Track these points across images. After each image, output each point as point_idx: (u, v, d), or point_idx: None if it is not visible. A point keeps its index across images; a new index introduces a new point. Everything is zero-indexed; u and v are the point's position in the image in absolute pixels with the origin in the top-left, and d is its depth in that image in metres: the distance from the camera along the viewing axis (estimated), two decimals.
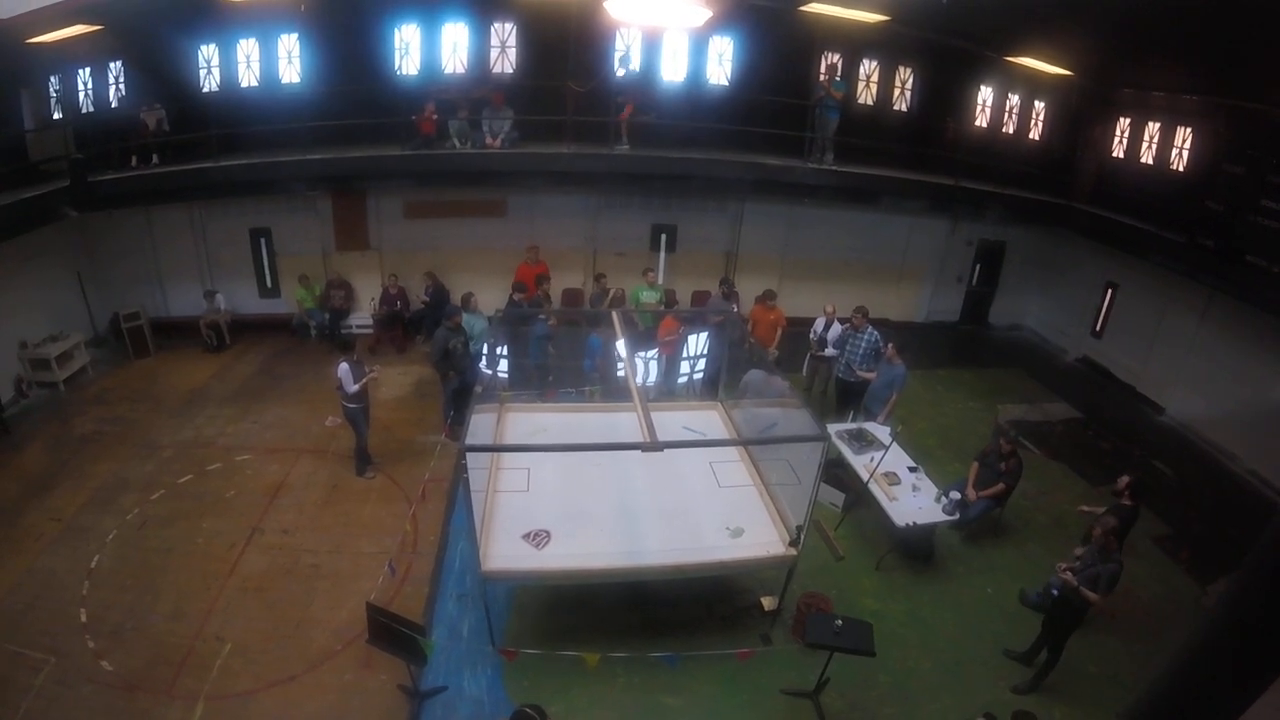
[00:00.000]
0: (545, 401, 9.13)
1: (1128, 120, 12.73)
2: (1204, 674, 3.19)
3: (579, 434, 7.63)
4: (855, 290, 12.76)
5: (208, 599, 6.80)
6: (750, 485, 7.14)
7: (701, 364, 10.30)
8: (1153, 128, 12.20)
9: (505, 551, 6.06)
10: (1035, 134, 14.32)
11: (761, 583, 6.98)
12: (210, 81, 11.98)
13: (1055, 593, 6.02)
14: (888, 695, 6.18)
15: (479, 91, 11.92)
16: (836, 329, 10.13)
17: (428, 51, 12.25)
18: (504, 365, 8.86)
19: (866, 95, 13.53)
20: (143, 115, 10.92)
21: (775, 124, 11.81)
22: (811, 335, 10.50)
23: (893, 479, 7.83)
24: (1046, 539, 8.22)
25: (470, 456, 5.36)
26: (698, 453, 7.46)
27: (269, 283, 13.02)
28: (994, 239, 14.37)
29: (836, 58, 12.85)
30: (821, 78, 11.84)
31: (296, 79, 12.01)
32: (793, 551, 6.18)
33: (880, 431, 8.72)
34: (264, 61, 11.93)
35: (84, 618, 6.50)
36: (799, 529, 6.09)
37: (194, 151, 11.08)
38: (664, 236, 13.31)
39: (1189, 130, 11.48)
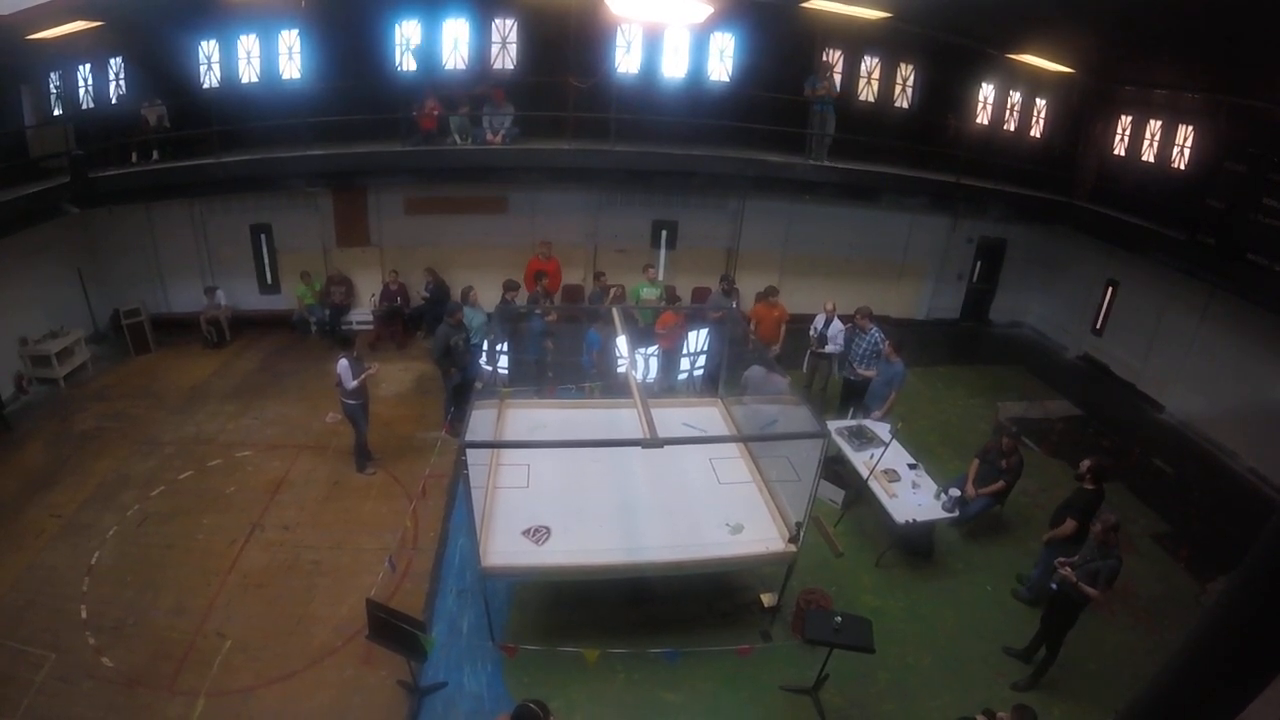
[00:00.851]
0: (545, 398, 9.12)
1: (1129, 118, 12.72)
2: (1203, 672, 3.18)
3: (579, 430, 7.62)
4: (856, 287, 12.79)
5: (208, 595, 6.81)
6: (750, 482, 7.14)
7: (701, 360, 10.30)
8: (1154, 125, 12.19)
9: (505, 547, 6.06)
10: (1036, 131, 14.31)
11: (761, 579, 6.99)
12: (211, 78, 11.97)
13: (1054, 587, 6.03)
14: (887, 692, 6.19)
15: (480, 87, 11.91)
16: (837, 326, 10.13)
17: (428, 47, 12.21)
18: (504, 361, 8.87)
19: (868, 92, 13.50)
20: (143, 111, 10.92)
21: (776, 121, 11.79)
22: (812, 332, 10.50)
23: (892, 476, 7.83)
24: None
25: (470, 453, 5.36)
26: (698, 449, 7.45)
27: (269, 279, 13.03)
28: (995, 236, 14.36)
29: (837, 54, 12.84)
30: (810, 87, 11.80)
31: (297, 75, 11.99)
32: (792, 548, 6.18)
33: (880, 428, 8.72)
34: (265, 57, 11.91)
35: (85, 614, 6.51)
36: (799, 525, 6.09)
37: (194, 148, 11.09)
38: (664, 233, 13.31)
39: (1190, 128, 11.47)
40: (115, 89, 11.48)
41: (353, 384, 8.19)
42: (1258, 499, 9.35)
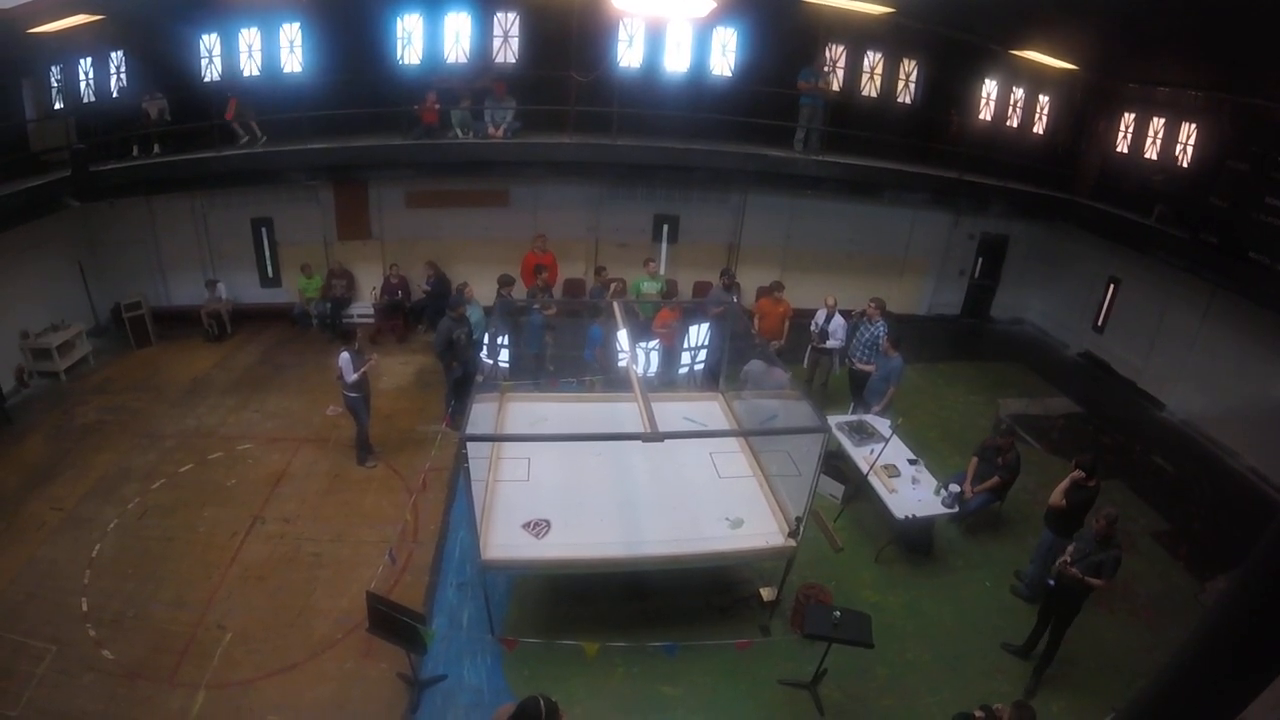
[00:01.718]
0: (546, 391, 9.13)
1: (1132, 115, 12.69)
2: (1204, 671, 3.18)
3: (579, 424, 7.65)
4: (858, 283, 12.80)
5: (209, 588, 6.82)
6: (750, 476, 7.15)
7: (702, 355, 10.30)
8: (1157, 123, 12.16)
9: (505, 541, 6.08)
10: (1039, 128, 14.26)
11: (760, 573, 6.99)
12: (212, 71, 11.95)
13: (1051, 584, 6.03)
14: (886, 687, 6.20)
15: (481, 81, 11.91)
16: (838, 321, 10.13)
17: (430, 41, 12.20)
18: (504, 355, 8.87)
19: (870, 88, 13.47)
20: (144, 105, 10.90)
21: (778, 116, 11.77)
22: (813, 327, 10.48)
23: (892, 471, 7.84)
24: None
25: (471, 446, 5.36)
26: (698, 443, 7.46)
27: (270, 272, 13.03)
28: (997, 233, 14.33)
29: (840, 49, 12.81)
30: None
31: (298, 68, 11.97)
32: (792, 543, 6.18)
33: (880, 424, 8.73)
34: (266, 51, 11.89)
35: (85, 607, 6.52)
36: (798, 520, 6.10)
37: (195, 141, 11.07)
38: (666, 227, 13.29)
39: (1193, 126, 11.43)
40: (116, 82, 11.45)
41: (354, 377, 8.19)
42: (1258, 498, 9.34)
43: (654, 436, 5.46)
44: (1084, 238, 13.14)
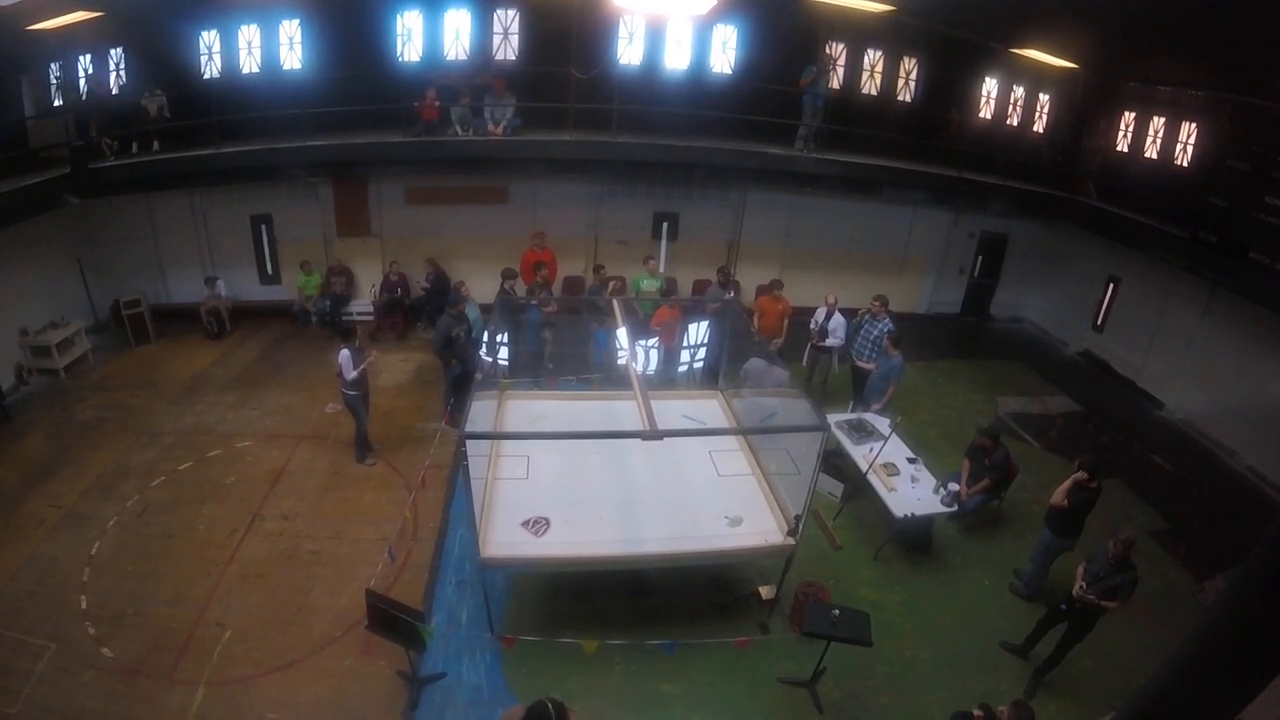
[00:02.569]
0: (546, 389, 9.13)
1: (1132, 114, 12.68)
2: (1203, 671, 3.19)
3: (579, 422, 7.64)
4: (857, 281, 12.78)
5: (208, 585, 6.82)
6: (749, 474, 7.15)
7: (701, 353, 10.29)
8: (1157, 122, 12.15)
9: (504, 538, 6.08)
10: (1039, 127, 14.26)
11: (760, 572, 6.99)
12: (211, 68, 11.92)
13: (1064, 607, 6.01)
14: (884, 685, 6.21)
15: (481, 78, 11.87)
16: (838, 319, 10.12)
17: (430, 38, 12.18)
18: (504, 353, 8.86)
19: (871, 86, 13.46)
20: (144, 102, 10.88)
21: (779, 114, 11.76)
22: (812, 325, 10.49)
23: (891, 470, 7.84)
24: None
25: (470, 443, 5.36)
26: (697, 441, 7.46)
27: (270, 269, 13.00)
28: (996, 231, 14.33)
29: (840, 47, 12.79)
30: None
31: (298, 65, 11.95)
32: (791, 541, 6.19)
33: (880, 422, 8.73)
34: (265, 48, 11.87)
35: (84, 604, 6.52)
36: (798, 518, 6.10)
37: (195, 138, 11.05)
38: (666, 225, 13.27)
39: (1194, 125, 11.43)
40: (116, 79, 11.43)
41: (353, 374, 8.19)
42: (1256, 497, 9.35)
43: (653, 434, 5.46)
44: (1083, 236, 13.14)
